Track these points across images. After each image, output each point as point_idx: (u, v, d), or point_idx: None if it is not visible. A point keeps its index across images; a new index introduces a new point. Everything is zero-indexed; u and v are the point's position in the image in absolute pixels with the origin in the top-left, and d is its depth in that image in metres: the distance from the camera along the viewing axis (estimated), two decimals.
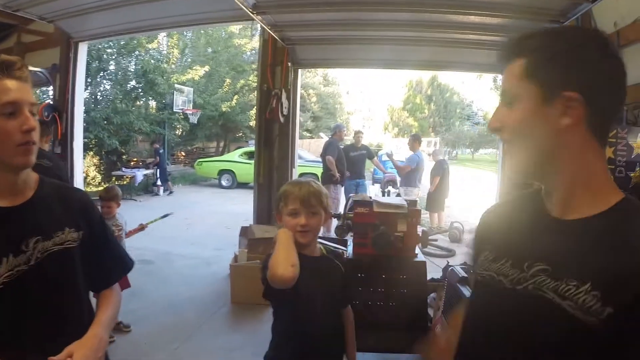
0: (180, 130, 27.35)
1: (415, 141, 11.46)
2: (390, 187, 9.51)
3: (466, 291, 4.02)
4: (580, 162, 1.20)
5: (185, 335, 5.52)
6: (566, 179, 1.21)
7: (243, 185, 21.70)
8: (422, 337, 4.88)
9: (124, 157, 21.92)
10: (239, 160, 22.49)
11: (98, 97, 21.31)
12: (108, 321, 1.85)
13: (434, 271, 5.80)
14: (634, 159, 4.47)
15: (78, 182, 10.36)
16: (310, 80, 39.68)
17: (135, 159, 20.93)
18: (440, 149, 13.87)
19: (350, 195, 7.33)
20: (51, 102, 10.64)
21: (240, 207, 15.44)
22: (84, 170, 10.90)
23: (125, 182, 18.33)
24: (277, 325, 2.61)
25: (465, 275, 4.33)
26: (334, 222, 5.28)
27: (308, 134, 37.84)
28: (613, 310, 1.03)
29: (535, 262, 1.21)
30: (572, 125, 1.17)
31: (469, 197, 19.71)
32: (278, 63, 8.40)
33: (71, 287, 1.80)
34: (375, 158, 13.05)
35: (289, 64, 8.44)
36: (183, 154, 30.12)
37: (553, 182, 1.25)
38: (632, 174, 4.43)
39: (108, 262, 1.99)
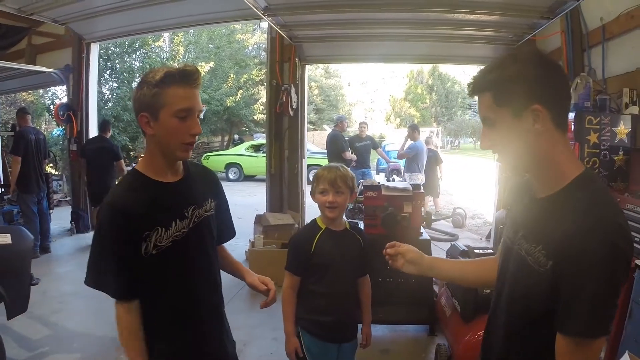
0: None
1: (414, 131, 11.75)
2: (395, 175, 9.86)
3: None
4: (552, 152, 1.59)
5: None
6: (543, 167, 1.62)
7: (250, 178, 22.06)
8: (427, 310, 5.38)
9: (131, 153, 22.25)
10: (245, 154, 22.93)
11: (107, 95, 21.64)
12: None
13: (438, 254, 6.12)
14: (617, 144, 4.91)
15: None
16: (312, 73, 39.59)
17: (142, 155, 21.08)
18: (430, 138, 14.16)
19: (360, 181, 7.77)
20: (66, 102, 10.96)
21: (249, 198, 15.78)
22: None
23: None
24: (300, 291, 3.06)
25: (465, 249, 4.77)
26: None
27: (311, 127, 37.93)
28: (552, 263, 1.49)
29: (519, 230, 1.71)
30: (542, 128, 1.56)
31: (471, 185, 20.09)
32: (286, 59, 8.79)
33: (212, 244, 2.35)
34: (380, 148, 13.35)
35: (297, 60, 8.82)
36: None
37: (535, 171, 1.66)
38: (615, 157, 4.89)
39: (228, 223, 2.56)
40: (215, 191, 2.42)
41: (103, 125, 9.92)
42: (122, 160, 9.81)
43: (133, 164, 19.67)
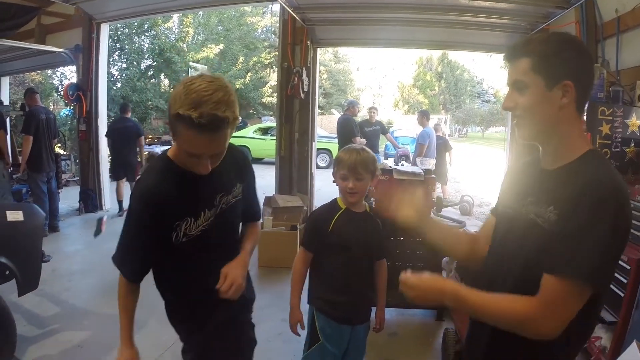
0: None
1: (423, 117, 11.68)
2: (404, 161, 9.87)
3: None
4: (569, 128, 1.73)
5: None
6: (558, 141, 1.74)
7: (257, 161, 22.03)
8: None
9: (150, 136, 22.29)
10: (253, 137, 22.89)
11: (116, 76, 21.66)
12: (250, 249, 2.47)
13: None
14: (629, 136, 4.89)
15: (103, 158, 10.78)
16: (321, 57, 39.38)
17: (150, 136, 21.18)
18: (439, 125, 14.08)
19: None
20: (75, 82, 10.96)
21: (256, 181, 15.84)
22: None
23: None
24: (317, 271, 3.09)
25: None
26: None
27: (319, 111, 37.92)
28: (556, 217, 1.62)
29: (528, 197, 1.80)
30: (567, 104, 1.69)
31: (478, 173, 20.05)
32: (298, 42, 8.75)
33: (237, 227, 2.43)
34: (388, 134, 13.33)
35: (308, 43, 8.79)
36: None
37: (549, 143, 1.78)
38: (627, 149, 4.87)
39: (254, 203, 2.61)
40: (243, 173, 2.43)
41: (123, 107, 10.75)
42: (143, 137, 10.70)
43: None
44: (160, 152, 2.29)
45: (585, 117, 4.85)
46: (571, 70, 1.68)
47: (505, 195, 2.01)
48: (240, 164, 2.41)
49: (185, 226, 2.10)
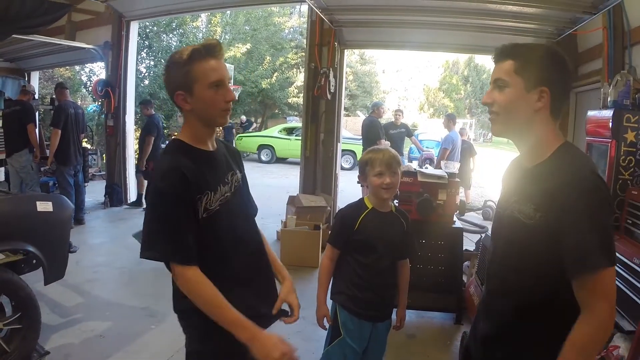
0: None
1: (450, 121, 11.60)
2: (428, 164, 9.84)
3: None
4: (543, 129, 1.89)
5: None
6: (531, 140, 1.92)
7: (281, 160, 22.16)
8: (455, 299, 5.38)
9: (166, 131, 22.46)
10: (278, 136, 22.98)
11: (144, 73, 21.86)
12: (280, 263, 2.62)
13: (466, 244, 6.12)
14: None
15: (130, 154, 10.92)
16: (347, 58, 39.21)
17: (175, 133, 21.25)
18: (464, 129, 13.98)
19: None
20: (104, 78, 11.12)
21: (279, 180, 15.85)
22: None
23: None
24: (341, 267, 3.14)
25: None
26: None
27: (344, 112, 37.80)
28: (541, 214, 1.78)
29: (512, 197, 1.99)
30: (542, 108, 1.86)
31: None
32: (325, 43, 8.73)
33: (253, 211, 2.52)
34: (413, 137, 13.27)
35: (336, 44, 8.79)
36: (220, 129, 30.24)
37: (523, 141, 1.96)
38: None
39: (251, 197, 2.58)
40: (241, 165, 2.51)
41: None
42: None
43: (166, 142, 19.87)
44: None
45: (611, 124, 4.83)
46: (549, 79, 1.85)
47: (500, 196, 2.18)
48: (236, 155, 2.54)
49: (207, 199, 2.11)
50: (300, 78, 29.30)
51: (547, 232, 1.75)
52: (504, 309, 1.95)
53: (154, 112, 10.67)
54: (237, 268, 2.23)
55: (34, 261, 4.13)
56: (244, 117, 23.52)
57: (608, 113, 5.02)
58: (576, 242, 1.67)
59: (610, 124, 4.88)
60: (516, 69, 1.86)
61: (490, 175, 20.20)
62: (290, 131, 23.12)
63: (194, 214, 2.07)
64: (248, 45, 26.57)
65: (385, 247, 3.04)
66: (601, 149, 5.16)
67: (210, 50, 2.11)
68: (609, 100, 5.29)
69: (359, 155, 15.67)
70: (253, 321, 2.07)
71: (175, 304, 2.23)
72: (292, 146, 21.15)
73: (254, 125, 25.78)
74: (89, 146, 14.37)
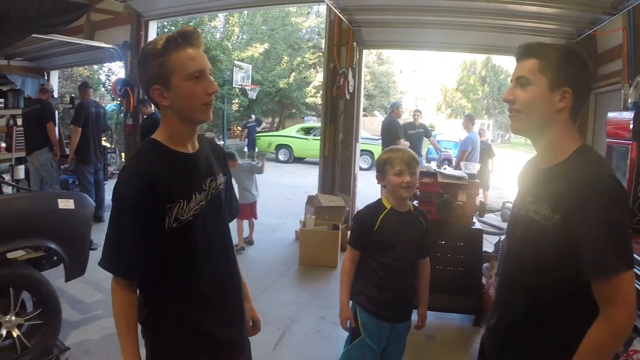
0: (238, 105, 28.00)
1: (468, 121, 11.61)
2: (446, 165, 9.78)
3: None
4: (562, 131, 1.88)
5: (258, 291, 5.92)
6: (549, 140, 1.91)
7: (299, 160, 22.17)
8: (474, 301, 5.34)
9: None
10: (296, 136, 23.01)
11: None
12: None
13: (485, 246, 6.09)
14: None
15: None
16: (365, 59, 39.21)
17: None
18: (483, 130, 13.93)
19: None
20: (123, 77, 11.18)
21: (297, 180, 15.85)
22: None
23: None
24: (361, 268, 3.15)
25: None
26: None
27: (362, 112, 37.70)
28: (559, 216, 1.76)
29: (528, 197, 1.97)
30: (563, 109, 1.84)
31: None
32: (344, 43, 8.72)
33: (227, 220, 2.28)
34: (432, 137, 13.22)
35: (354, 44, 8.77)
36: (239, 128, 30.36)
37: (541, 141, 1.95)
38: None
39: (234, 200, 2.48)
40: (225, 167, 2.33)
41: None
42: None
43: None
44: None
45: (632, 126, 4.79)
46: (572, 80, 1.83)
47: (515, 196, 2.17)
48: (221, 155, 2.33)
49: (178, 209, 1.94)
50: (317, 78, 29.37)
51: (563, 233, 1.74)
52: (516, 308, 1.95)
53: (154, 110, 10.44)
54: (204, 286, 2.07)
55: (55, 258, 4.18)
56: (253, 117, 23.48)
57: (629, 115, 4.98)
58: (592, 245, 1.66)
59: (631, 125, 4.83)
60: (540, 67, 1.84)
61: (509, 177, 20.11)
62: (307, 131, 23.14)
63: (154, 226, 1.92)
64: (266, 45, 26.62)
65: (404, 247, 3.06)
66: (622, 150, 5.11)
67: (187, 38, 1.91)
68: (629, 101, 5.24)
69: (376, 156, 15.66)
70: (219, 349, 2.10)
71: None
72: (310, 146, 21.19)
73: (262, 124, 25.62)
74: (108, 145, 14.51)
